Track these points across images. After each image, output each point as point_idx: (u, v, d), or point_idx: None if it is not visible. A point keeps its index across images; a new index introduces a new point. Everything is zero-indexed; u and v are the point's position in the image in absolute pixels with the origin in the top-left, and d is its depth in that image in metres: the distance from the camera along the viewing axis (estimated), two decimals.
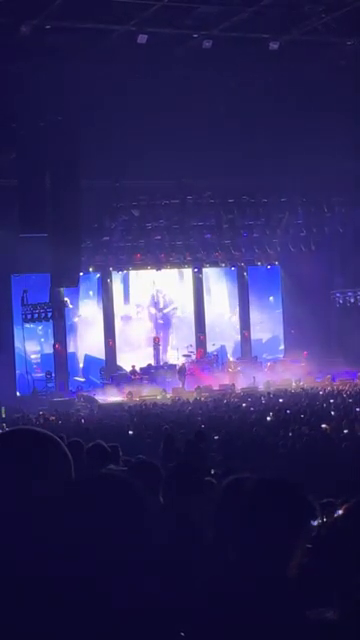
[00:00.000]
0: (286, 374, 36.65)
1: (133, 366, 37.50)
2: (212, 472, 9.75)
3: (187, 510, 5.21)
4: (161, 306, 41.86)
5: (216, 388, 35.14)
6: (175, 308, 42.17)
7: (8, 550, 2.21)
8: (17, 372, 35.86)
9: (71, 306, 36.13)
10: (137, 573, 2.11)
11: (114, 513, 2.13)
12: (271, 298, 43.37)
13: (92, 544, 2.09)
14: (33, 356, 37.57)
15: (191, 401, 30.34)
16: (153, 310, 41.77)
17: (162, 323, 41.75)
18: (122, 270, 39.18)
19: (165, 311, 41.96)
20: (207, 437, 16.61)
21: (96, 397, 34.00)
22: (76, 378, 38.26)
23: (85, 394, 34.69)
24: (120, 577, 2.09)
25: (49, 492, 2.22)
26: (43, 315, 34.27)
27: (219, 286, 43.12)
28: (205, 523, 4.24)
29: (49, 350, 37.69)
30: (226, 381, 36.43)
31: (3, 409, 28.88)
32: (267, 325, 43.23)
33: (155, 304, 41.78)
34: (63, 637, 2.04)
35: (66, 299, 34.84)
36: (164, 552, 2.34)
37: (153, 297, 41.60)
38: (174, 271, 41.03)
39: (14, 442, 2.45)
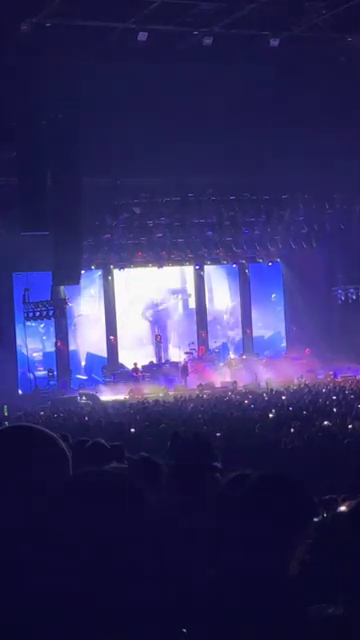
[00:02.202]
0: (287, 371, 36.62)
1: (135, 364, 37.51)
2: (214, 469, 9.73)
3: (189, 507, 5.21)
4: (163, 304, 41.86)
5: (218, 385, 35.14)
6: (177, 306, 42.17)
7: (5, 548, 2.22)
8: (19, 370, 35.87)
9: (71, 304, 36.13)
10: (136, 570, 2.11)
11: (112, 509, 2.13)
12: (273, 295, 43.36)
13: (90, 540, 2.09)
14: (35, 354, 37.59)
15: (193, 398, 30.33)
16: (155, 308, 41.76)
17: (164, 321, 41.75)
18: (123, 268, 39.16)
19: (167, 309, 41.95)
20: (208, 436, 16.60)
21: (98, 395, 34.01)
22: (78, 376, 38.26)
23: (87, 392, 34.69)
24: (119, 574, 2.09)
25: (47, 489, 2.21)
26: (45, 313, 34.28)
27: (221, 283, 43.12)
28: (207, 520, 4.24)
29: (51, 348, 37.71)
30: (228, 378, 36.42)
31: (5, 407, 28.87)
32: (269, 322, 43.24)
33: (156, 302, 41.77)
34: (63, 634, 2.04)
35: (67, 297, 34.86)
36: (164, 549, 2.34)
37: (155, 295, 41.58)
38: (176, 268, 41.02)
39: (12, 439, 2.45)
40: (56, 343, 37.41)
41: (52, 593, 2.06)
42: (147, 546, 2.15)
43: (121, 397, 33.30)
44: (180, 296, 42.18)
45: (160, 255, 38.56)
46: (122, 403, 30.74)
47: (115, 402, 31.55)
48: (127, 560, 2.10)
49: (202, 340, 40.84)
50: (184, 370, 36.86)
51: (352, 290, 39.67)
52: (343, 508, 6.80)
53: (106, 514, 2.12)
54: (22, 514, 2.25)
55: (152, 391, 34.45)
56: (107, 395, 34.19)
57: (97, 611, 2.05)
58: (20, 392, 34.88)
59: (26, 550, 2.14)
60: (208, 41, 28.19)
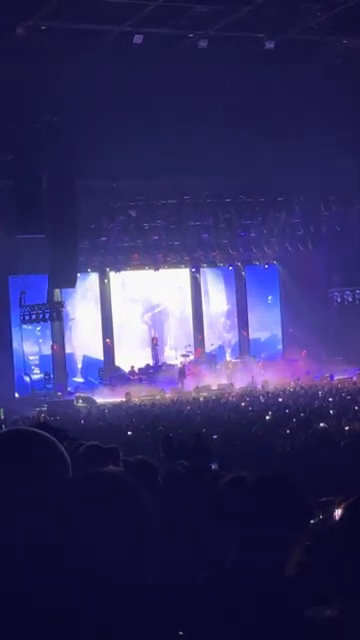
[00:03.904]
0: (284, 373, 36.64)
1: (132, 366, 37.50)
2: (211, 470, 9.75)
3: (186, 509, 5.22)
4: (159, 306, 41.86)
5: (215, 388, 35.14)
6: (173, 308, 42.18)
7: (6, 551, 2.22)
8: (15, 373, 35.85)
9: (67, 307, 36.13)
10: (137, 571, 2.12)
11: (112, 511, 2.14)
12: (269, 297, 43.38)
13: (90, 542, 2.10)
14: (31, 357, 37.57)
15: (190, 400, 30.34)
16: (151, 310, 41.76)
17: (160, 323, 41.76)
18: (120, 270, 39.17)
19: (163, 311, 41.95)
20: (206, 438, 16.61)
21: (95, 398, 33.98)
22: (75, 379, 38.27)
23: (84, 395, 34.67)
24: (119, 575, 2.10)
25: (47, 493, 2.22)
26: (41, 316, 34.27)
27: (217, 285, 43.15)
28: (204, 521, 4.25)
29: (47, 351, 37.69)
30: (224, 381, 36.43)
31: (2, 410, 28.87)
32: (265, 324, 43.26)
33: (153, 304, 41.78)
34: (63, 635, 2.05)
35: (63, 300, 34.87)
36: (163, 549, 2.35)
37: (151, 297, 41.59)
38: (172, 271, 41.04)
39: (12, 442, 2.46)
40: (52, 346, 37.40)
41: (52, 594, 2.07)
42: (147, 547, 2.15)
43: (118, 400, 33.28)
44: (176, 298, 42.18)
45: (156, 257, 38.58)
46: (119, 406, 30.73)
47: (112, 405, 31.55)
48: (127, 561, 2.11)
49: (199, 342, 40.86)
50: (181, 373, 36.85)
51: (348, 292, 39.71)
52: (340, 510, 6.81)
53: (106, 515, 2.13)
54: (23, 518, 2.25)
55: (149, 394, 34.43)
56: (104, 398, 34.16)
57: (97, 612, 2.06)
58: (17, 395, 34.86)
59: (26, 552, 2.15)
60: (203, 44, 28.18)
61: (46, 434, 2.49)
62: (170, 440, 15.13)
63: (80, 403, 33.06)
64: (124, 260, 38.46)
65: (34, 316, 34.44)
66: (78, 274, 33.00)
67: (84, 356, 39.41)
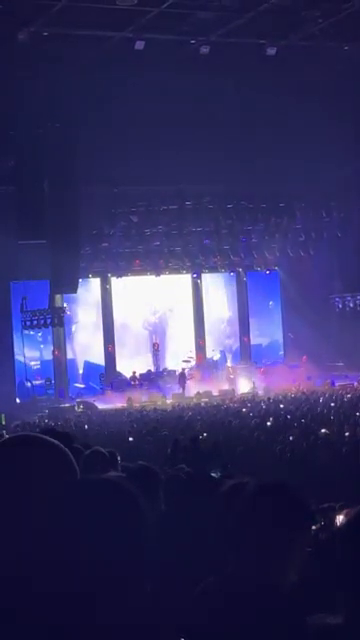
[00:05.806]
0: (285, 379, 36.59)
1: (134, 372, 37.48)
2: (212, 477, 9.74)
3: (188, 515, 5.21)
4: (160, 312, 41.85)
5: (216, 393, 35.11)
6: (174, 314, 42.16)
7: (7, 551, 2.22)
8: (17, 379, 35.83)
9: (69, 313, 36.13)
10: (135, 579, 2.11)
11: (110, 517, 2.13)
12: (270, 303, 43.38)
13: (88, 549, 2.09)
14: (33, 363, 37.54)
15: (191, 406, 30.31)
16: (152, 316, 41.75)
17: (161, 329, 41.75)
18: (121, 276, 39.18)
19: (164, 317, 41.95)
20: (205, 442, 16.60)
21: (96, 403, 33.95)
22: (76, 384, 38.23)
23: (85, 400, 34.64)
24: (117, 583, 2.09)
25: (48, 496, 2.22)
26: (42, 322, 34.26)
27: (218, 291, 43.14)
28: (205, 528, 4.24)
29: (49, 357, 37.66)
30: (226, 386, 36.40)
31: (3, 416, 28.83)
32: (266, 330, 43.25)
33: (154, 310, 41.77)
34: (63, 636, 2.05)
35: (65, 305, 34.87)
36: (163, 556, 2.35)
37: (152, 303, 41.58)
38: (173, 277, 41.03)
39: (15, 446, 2.46)
40: (54, 351, 37.38)
41: (52, 595, 2.07)
42: (144, 553, 2.15)
43: (119, 405, 33.26)
44: (178, 304, 42.16)
45: (158, 263, 38.57)
46: (120, 411, 30.71)
47: (113, 410, 31.51)
48: (125, 570, 2.10)
49: (200, 348, 40.84)
50: (183, 378, 36.83)
51: (349, 298, 39.70)
52: (341, 516, 6.80)
53: (105, 522, 2.12)
54: (25, 525, 2.25)
55: (150, 399, 34.43)
56: (105, 403, 34.14)
57: (96, 616, 2.05)
58: (18, 401, 34.83)
59: (26, 557, 2.15)
60: (205, 50, 28.25)
61: (51, 439, 2.49)
62: (178, 444, 15.15)
63: (81, 409, 33.03)
64: (125, 266, 38.46)
65: (35, 322, 34.43)
66: (79, 280, 33.02)
67: (85, 361, 39.41)
